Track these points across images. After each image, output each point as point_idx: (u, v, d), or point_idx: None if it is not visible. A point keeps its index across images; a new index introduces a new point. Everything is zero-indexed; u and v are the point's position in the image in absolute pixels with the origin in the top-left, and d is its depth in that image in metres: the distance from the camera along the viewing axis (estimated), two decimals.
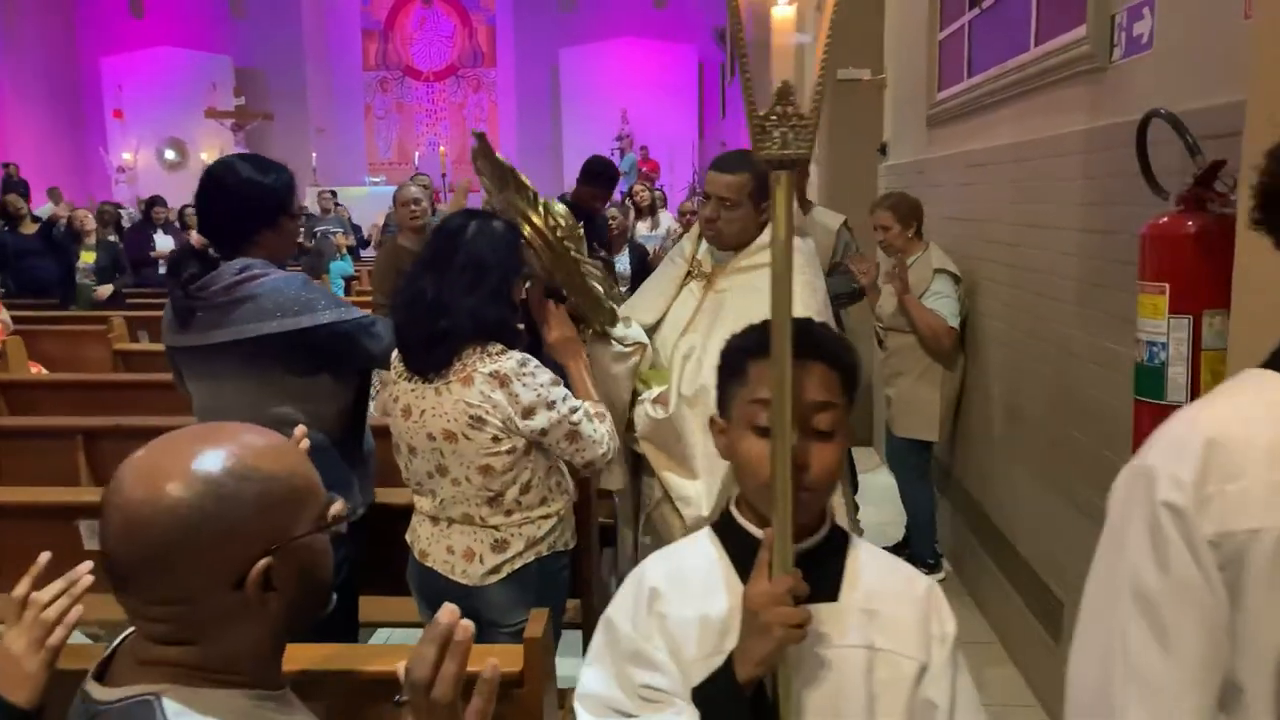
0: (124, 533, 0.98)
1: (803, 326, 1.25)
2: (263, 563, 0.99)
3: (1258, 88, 1.63)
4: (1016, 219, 3.48)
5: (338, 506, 1.13)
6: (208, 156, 18.92)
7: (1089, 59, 2.77)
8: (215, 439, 1.03)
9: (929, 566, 4.17)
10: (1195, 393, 1.98)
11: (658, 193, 11.11)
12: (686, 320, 2.56)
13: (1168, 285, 1.98)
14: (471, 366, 2.14)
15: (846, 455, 1.39)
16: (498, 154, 2.42)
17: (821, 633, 1.26)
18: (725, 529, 1.37)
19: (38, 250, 8.12)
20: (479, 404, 2.12)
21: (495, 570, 2.21)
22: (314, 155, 18.10)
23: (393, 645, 2.05)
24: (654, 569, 1.38)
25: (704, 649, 1.28)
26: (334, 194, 12.40)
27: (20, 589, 1.32)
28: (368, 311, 2.48)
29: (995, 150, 3.74)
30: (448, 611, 0.98)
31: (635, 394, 2.55)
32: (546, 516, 2.26)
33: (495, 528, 2.22)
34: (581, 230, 2.45)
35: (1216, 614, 0.96)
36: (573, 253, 2.37)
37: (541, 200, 2.37)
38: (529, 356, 2.19)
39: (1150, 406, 2.06)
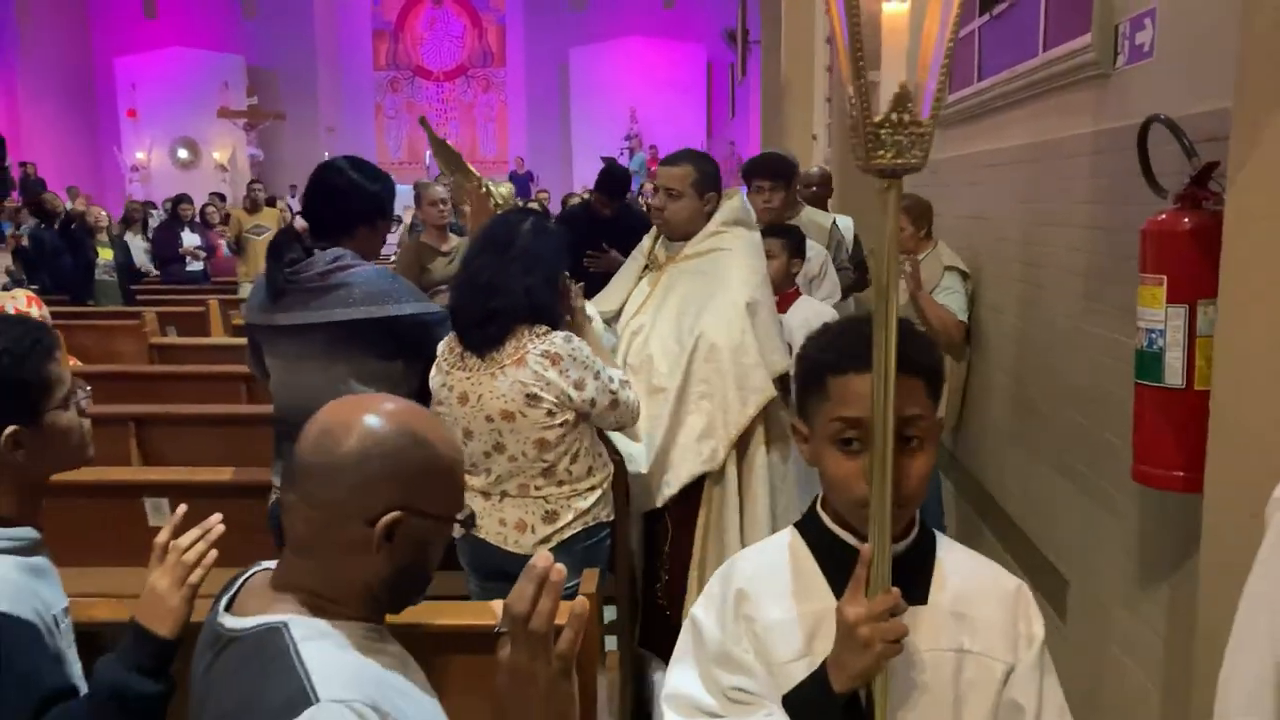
0: (316, 441, 1.18)
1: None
2: (396, 514, 1.16)
3: (1243, 95, 1.75)
4: (1025, 217, 3.59)
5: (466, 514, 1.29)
6: (220, 155, 19.09)
7: (1094, 66, 2.88)
8: (411, 407, 1.24)
9: None
10: (1191, 376, 2.13)
11: None
12: (639, 304, 2.90)
13: (1166, 277, 2.10)
14: (523, 349, 2.31)
15: None
16: (437, 133, 2.89)
17: (912, 636, 1.23)
18: (811, 530, 1.34)
19: (66, 247, 8.29)
20: (533, 383, 2.29)
21: (546, 540, 2.38)
22: (325, 154, 18.17)
23: (457, 604, 2.20)
24: (741, 569, 1.36)
25: (792, 651, 1.27)
26: None
27: (162, 536, 1.49)
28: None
29: (1005, 151, 3.86)
30: (543, 556, 1.11)
31: None
32: (592, 489, 2.44)
33: (546, 499, 2.39)
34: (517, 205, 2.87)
35: None
36: None
37: (484, 181, 2.79)
38: (571, 334, 2.38)
39: (1150, 389, 2.19)
